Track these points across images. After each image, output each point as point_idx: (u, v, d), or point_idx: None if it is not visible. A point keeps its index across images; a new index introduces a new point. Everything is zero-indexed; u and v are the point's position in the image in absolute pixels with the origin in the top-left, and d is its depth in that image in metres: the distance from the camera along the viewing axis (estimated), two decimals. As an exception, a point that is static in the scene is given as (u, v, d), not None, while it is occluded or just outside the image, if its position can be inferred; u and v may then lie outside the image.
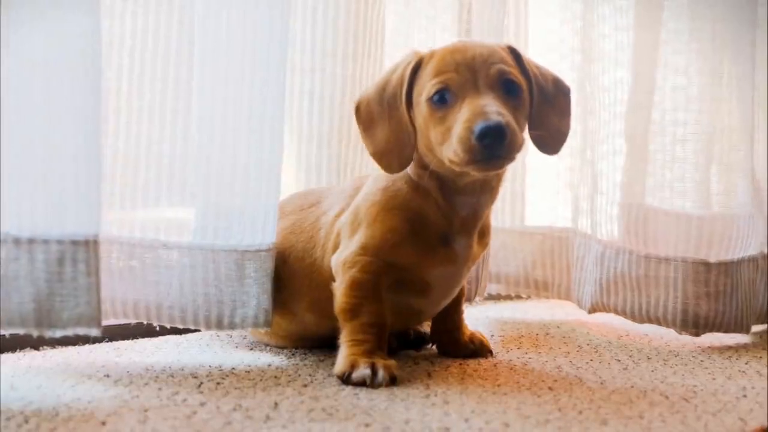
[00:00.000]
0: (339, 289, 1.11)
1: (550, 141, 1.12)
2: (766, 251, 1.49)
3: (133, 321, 1.16)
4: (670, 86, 1.46)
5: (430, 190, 1.10)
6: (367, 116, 1.11)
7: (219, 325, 1.15)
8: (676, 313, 1.40)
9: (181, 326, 1.16)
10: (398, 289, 1.12)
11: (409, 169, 1.11)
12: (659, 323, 1.42)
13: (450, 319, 1.24)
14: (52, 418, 0.88)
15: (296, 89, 1.36)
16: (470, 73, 1.04)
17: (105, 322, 1.25)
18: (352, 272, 1.10)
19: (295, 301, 1.18)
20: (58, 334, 0.99)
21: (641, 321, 1.43)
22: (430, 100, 1.05)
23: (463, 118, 1.00)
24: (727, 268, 1.40)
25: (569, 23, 1.57)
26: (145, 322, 1.16)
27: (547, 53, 1.61)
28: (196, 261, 1.14)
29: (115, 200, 1.15)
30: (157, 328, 1.22)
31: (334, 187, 1.29)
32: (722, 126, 1.46)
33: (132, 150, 1.15)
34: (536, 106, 1.10)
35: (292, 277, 1.18)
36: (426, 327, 1.30)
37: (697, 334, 1.40)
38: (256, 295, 1.15)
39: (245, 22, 1.12)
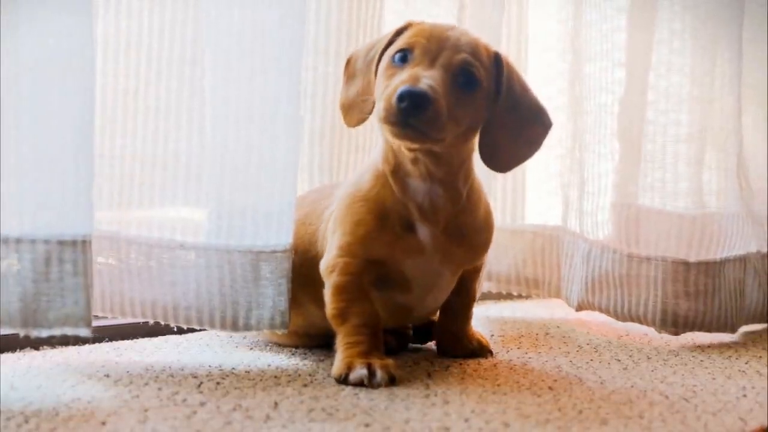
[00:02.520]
0: (327, 295, 1.11)
1: (501, 157, 1.12)
2: (764, 251, 1.49)
3: (151, 321, 1.17)
4: (662, 86, 1.45)
5: (386, 172, 1.11)
6: (352, 70, 1.15)
7: (234, 327, 1.15)
8: (656, 312, 1.40)
9: (197, 327, 1.16)
10: (382, 286, 1.13)
11: (380, 156, 1.12)
12: (640, 322, 1.42)
13: (457, 320, 1.23)
14: (52, 418, 0.88)
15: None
16: (437, 47, 1.05)
17: (109, 322, 1.27)
18: (333, 277, 1.10)
19: (302, 292, 1.18)
20: (44, 333, 0.98)
21: (624, 320, 1.44)
22: (392, 56, 1.07)
23: (397, 79, 1.02)
24: (708, 267, 1.40)
25: (564, 23, 1.57)
26: (162, 323, 1.16)
27: (544, 52, 1.61)
28: (211, 261, 1.14)
29: (134, 200, 1.15)
30: (174, 328, 1.21)
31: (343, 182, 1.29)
32: (711, 125, 1.46)
33: (149, 149, 1.16)
34: (498, 117, 1.09)
35: (300, 267, 1.18)
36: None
37: (676, 333, 1.41)
38: (272, 296, 1.15)
39: (257, 19, 1.12)
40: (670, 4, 1.44)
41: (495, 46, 1.14)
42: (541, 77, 1.60)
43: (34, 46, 0.97)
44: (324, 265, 1.12)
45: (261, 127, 1.14)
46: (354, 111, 1.13)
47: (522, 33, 1.59)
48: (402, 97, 0.99)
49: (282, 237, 1.15)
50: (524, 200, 1.63)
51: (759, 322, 1.52)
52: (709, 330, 1.40)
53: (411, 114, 0.99)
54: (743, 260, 1.45)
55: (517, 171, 1.60)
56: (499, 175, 1.58)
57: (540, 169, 1.64)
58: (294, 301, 1.18)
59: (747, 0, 1.49)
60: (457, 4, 1.50)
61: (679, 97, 1.44)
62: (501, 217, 1.60)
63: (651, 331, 1.47)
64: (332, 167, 1.39)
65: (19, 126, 0.97)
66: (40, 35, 0.97)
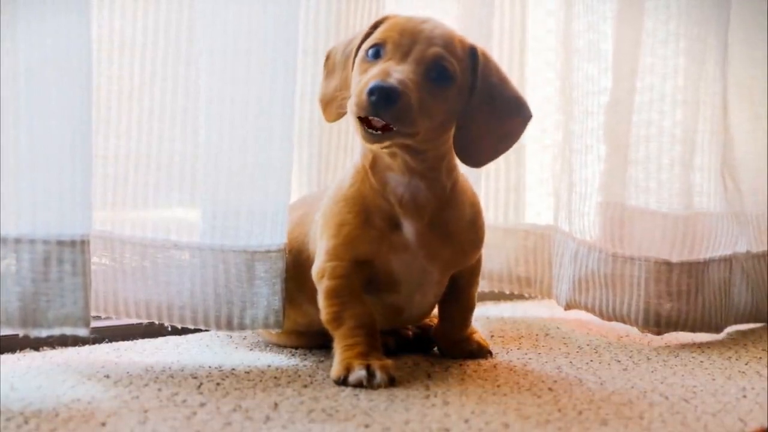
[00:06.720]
0: (320, 300, 1.11)
1: (476, 152, 1.11)
2: (753, 251, 1.49)
3: (145, 321, 1.17)
4: (647, 86, 1.45)
5: (366, 168, 1.11)
6: (331, 65, 1.15)
7: (229, 326, 1.15)
8: (638, 312, 1.40)
9: (192, 326, 1.17)
10: (371, 288, 1.13)
11: (359, 153, 1.12)
12: (624, 321, 1.42)
13: (456, 327, 1.23)
14: (52, 419, 0.88)
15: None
16: (409, 41, 1.05)
17: (109, 323, 1.26)
18: (324, 281, 1.11)
19: (299, 292, 1.19)
20: (44, 333, 0.99)
21: (609, 319, 1.44)
22: (366, 51, 1.07)
23: (369, 75, 1.02)
24: (691, 267, 1.40)
25: (562, 23, 1.57)
26: (156, 322, 1.16)
27: (544, 52, 1.60)
28: (206, 261, 1.14)
29: (128, 200, 1.16)
30: (169, 328, 1.21)
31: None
32: (696, 126, 1.46)
33: (144, 149, 1.16)
34: (474, 111, 1.08)
35: (295, 269, 1.18)
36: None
37: (659, 333, 1.41)
38: (266, 296, 1.15)
39: (252, 20, 1.12)
40: (656, 6, 1.44)
41: (484, 43, 1.13)
42: (541, 77, 1.60)
43: (32, 46, 0.97)
44: (315, 271, 1.12)
45: (255, 127, 1.14)
46: (332, 106, 1.13)
47: (516, 32, 1.57)
48: (372, 91, 0.99)
49: (276, 237, 1.16)
50: (519, 200, 1.63)
51: (747, 322, 1.52)
52: (692, 330, 1.41)
53: (380, 108, 0.99)
54: (729, 260, 1.45)
55: (512, 171, 1.61)
56: (493, 175, 1.58)
57: (536, 169, 1.64)
58: (293, 301, 1.18)
59: (735, 2, 1.49)
60: (454, 6, 1.50)
61: (663, 98, 1.44)
62: (494, 216, 1.60)
63: (650, 331, 1.47)
64: (321, 168, 1.40)
65: (17, 126, 0.97)
66: (38, 35, 0.97)
